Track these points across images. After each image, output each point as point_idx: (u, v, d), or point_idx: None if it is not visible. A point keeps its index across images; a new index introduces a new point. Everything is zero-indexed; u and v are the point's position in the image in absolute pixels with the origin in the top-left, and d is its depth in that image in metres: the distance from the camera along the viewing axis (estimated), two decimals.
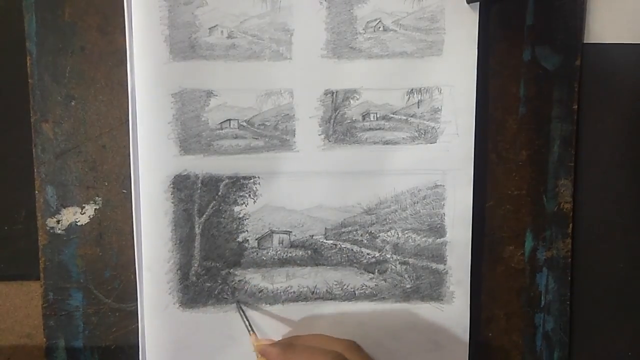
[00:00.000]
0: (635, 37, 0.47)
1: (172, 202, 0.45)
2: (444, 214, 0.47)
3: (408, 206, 0.47)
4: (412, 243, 0.47)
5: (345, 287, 0.47)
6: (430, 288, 0.47)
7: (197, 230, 0.46)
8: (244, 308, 0.46)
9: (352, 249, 0.47)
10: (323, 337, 0.44)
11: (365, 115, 0.46)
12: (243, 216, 0.46)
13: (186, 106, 0.45)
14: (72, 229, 0.46)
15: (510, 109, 0.47)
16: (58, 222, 0.46)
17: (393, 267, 0.47)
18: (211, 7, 0.44)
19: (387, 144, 0.46)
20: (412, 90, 0.45)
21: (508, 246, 0.48)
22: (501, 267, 0.48)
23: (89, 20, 0.44)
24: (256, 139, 0.45)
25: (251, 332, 0.44)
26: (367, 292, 0.47)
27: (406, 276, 0.47)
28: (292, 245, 0.46)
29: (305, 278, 0.47)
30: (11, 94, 0.45)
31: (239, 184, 0.46)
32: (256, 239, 0.46)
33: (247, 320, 0.45)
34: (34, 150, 0.45)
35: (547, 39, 0.46)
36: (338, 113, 0.45)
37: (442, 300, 0.47)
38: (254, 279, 0.46)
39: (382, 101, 0.45)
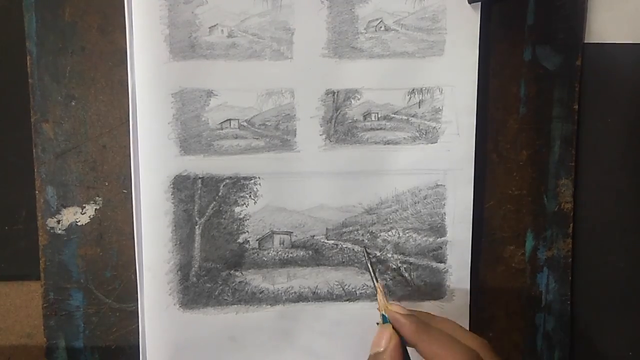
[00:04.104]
0: (635, 37, 0.47)
1: (173, 203, 0.45)
2: (445, 213, 0.47)
3: (409, 206, 0.47)
4: (413, 242, 0.47)
5: (346, 287, 0.47)
6: (431, 287, 0.47)
7: (198, 231, 0.45)
8: (370, 255, 0.42)
9: (353, 249, 0.47)
10: (457, 327, 0.38)
11: (366, 115, 0.46)
12: (244, 217, 0.46)
13: (186, 106, 0.44)
14: (73, 229, 0.46)
15: (511, 108, 0.47)
16: (58, 222, 0.45)
17: (394, 266, 0.47)
18: (211, 5, 0.44)
19: (388, 143, 0.46)
20: (413, 90, 0.45)
21: (509, 246, 0.48)
22: (502, 267, 0.48)
23: (89, 20, 0.44)
24: (257, 139, 0.45)
25: (377, 284, 0.39)
26: (368, 291, 0.47)
27: (407, 275, 0.47)
28: (293, 245, 0.46)
29: (307, 278, 0.47)
30: (11, 94, 0.45)
31: (240, 185, 0.45)
32: (257, 240, 0.46)
33: (373, 270, 0.40)
34: (34, 150, 0.45)
35: (548, 39, 0.46)
36: (339, 113, 0.45)
37: (442, 299, 0.47)
38: (255, 279, 0.46)
39: (383, 101, 0.45)
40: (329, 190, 0.46)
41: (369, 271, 0.40)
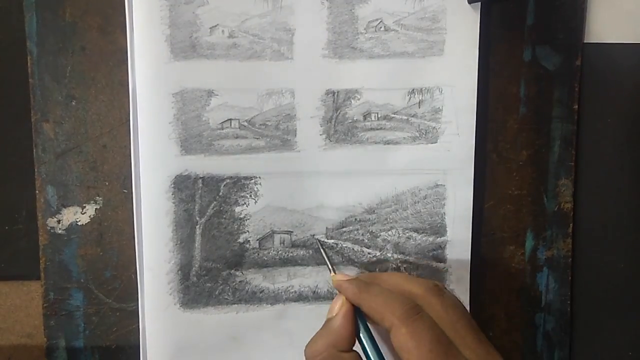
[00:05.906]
0: (635, 37, 0.47)
1: (173, 202, 0.45)
2: (445, 213, 0.47)
3: (409, 206, 0.47)
4: (413, 242, 0.47)
5: None
6: None
7: (198, 231, 0.46)
8: (325, 246, 0.45)
9: (353, 249, 0.47)
10: (402, 276, 0.39)
11: (366, 115, 0.46)
12: (244, 216, 0.46)
13: (187, 106, 0.44)
14: (73, 229, 0.46)
15: (511, 108, 0.47)
16: (58, 222, 0.45)
17: (394, 266, 0.47)
18: (212, 6, 0.44)
19: (388, 143, 0.46)
20: (413, 90, 0.45)
21: (508, 246, 0.48)
22: (501, 267, 0.48)
23: (90, 20, 0.44)
24: (257, 138, 0.45)
25: (332, 271, 0.42)
26: None
27: None
28: (294, 245, 0.46)
29: (307, 278, 0.47)
30: (11, 93, 0.45)
31: (240, 184, 0.46)
32: (257, 239, 0.46)
33: (329, 258, 0.43)
34: (34, 150, 0.45)
35: (548, 39, 0.46)
36: (339, 113, 0.45)
37: None
38: (255, 279, 0.46)
39: (383, 101, 0.45)
40: (329, 190, 0.46)
41: (326, 262, 0.43)
